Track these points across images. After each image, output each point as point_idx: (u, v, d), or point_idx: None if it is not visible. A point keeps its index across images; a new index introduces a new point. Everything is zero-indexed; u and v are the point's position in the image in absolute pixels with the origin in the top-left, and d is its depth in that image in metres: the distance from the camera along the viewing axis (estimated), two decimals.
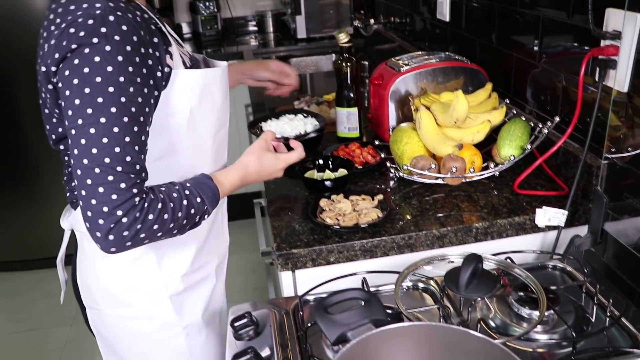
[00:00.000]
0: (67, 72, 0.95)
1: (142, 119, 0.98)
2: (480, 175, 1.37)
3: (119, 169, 0.95)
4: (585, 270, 1.12)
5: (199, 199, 1.06)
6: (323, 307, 0.93)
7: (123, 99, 0.95)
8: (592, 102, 1.21)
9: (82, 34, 0.94)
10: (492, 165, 1.37)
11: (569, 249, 1.23)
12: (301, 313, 1.07)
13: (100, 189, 0.94)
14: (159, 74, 1.03)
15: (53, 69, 0.98)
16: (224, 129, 1.26)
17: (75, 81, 0.94)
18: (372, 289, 1.11)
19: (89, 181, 0.94)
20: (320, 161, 1.51)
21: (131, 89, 0.96)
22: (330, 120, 1.85)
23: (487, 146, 1.47)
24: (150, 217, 0.97)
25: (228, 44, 3.63)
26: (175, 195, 1.02)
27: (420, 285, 1.16)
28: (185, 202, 1.03)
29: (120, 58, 0.94)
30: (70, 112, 0.95)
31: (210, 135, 1.19)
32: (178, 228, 1.03)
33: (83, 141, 0.94)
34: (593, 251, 1.23)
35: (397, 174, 1.40)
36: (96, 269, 1.22)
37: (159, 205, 0.98)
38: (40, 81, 1.05)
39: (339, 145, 1.61)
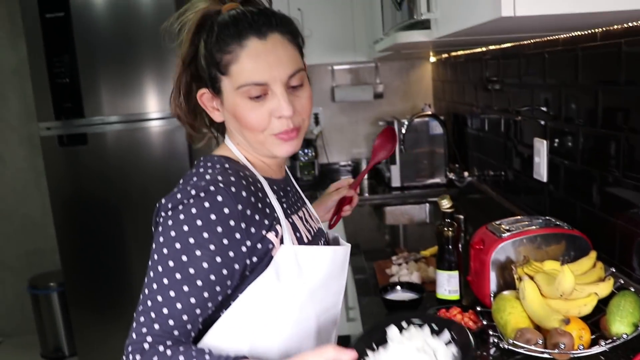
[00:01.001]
0: (160, 226, 1.08)
1: (199, 282, 1.05)
2: (589, 352, 1.33)
3: (152, 315, 1.04)
4: None
5: None
6: None
7: (184, 258, 1.04)
8: None
9: (179, 196, 1.07)
10: (601, 340, 1.33)
11: None
12: None
13: (134, 324, 1.06)
14: (244, 248, 1.08)
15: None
16: (333, 310, 1.30)
17: (160, 229, 1.07)
18: None
19: (134, 315, 1.08)
20: None
21: (197, 252, 1.04)
22: (428, 279, 1.87)
23: (594, 316, 1.43)
24: None
25: (322, 188, 3.75)
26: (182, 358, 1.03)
27: None
28: None
29: (199, 222, 1.04)
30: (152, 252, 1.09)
31: (314, 314, 1.22)
32: None
33: (146, 279, 1.07)
34: None
35: (500, 344, 1.38)
36: None
37: (155, 359, 1.03)
38: None
39: (440, 308, 1.61)
